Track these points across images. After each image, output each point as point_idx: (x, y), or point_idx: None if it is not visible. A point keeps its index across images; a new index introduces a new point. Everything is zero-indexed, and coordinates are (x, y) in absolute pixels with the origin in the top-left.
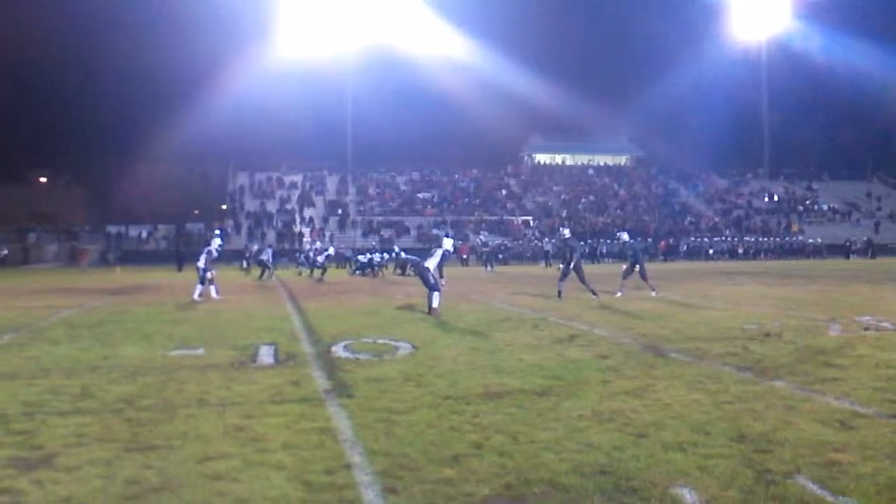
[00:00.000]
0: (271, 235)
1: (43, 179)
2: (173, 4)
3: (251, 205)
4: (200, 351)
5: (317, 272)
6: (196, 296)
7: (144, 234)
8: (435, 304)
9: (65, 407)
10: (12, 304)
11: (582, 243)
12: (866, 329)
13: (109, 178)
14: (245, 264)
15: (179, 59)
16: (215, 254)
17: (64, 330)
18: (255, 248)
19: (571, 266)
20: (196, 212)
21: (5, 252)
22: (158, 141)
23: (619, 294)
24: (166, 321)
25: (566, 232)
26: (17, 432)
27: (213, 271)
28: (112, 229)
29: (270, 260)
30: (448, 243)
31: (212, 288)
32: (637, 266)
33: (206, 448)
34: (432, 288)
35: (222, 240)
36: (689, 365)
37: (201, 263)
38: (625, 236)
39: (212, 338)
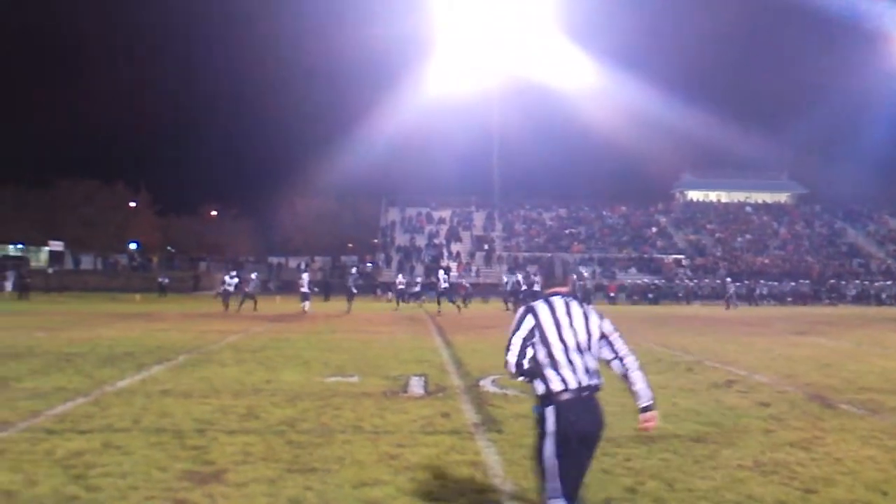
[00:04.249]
0: (419, 269)
1: (214, 213)
2: (327, 53)
3: (401, 239)
4: (355, 379)
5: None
6: None
7: (303, 265)
8: None
9: (233, 426)
10: (186, 327)
11: (738, 284)
12: None
13: (272, 212)
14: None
15: (334, 100)
16: None
17: (231, 353)
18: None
19: None
20: (350, 245)
21: (166, 280)
22: (316, 177)
23: None
24: (322, 349)
25: None
26: (192, 447)
27: None
28: (273, 260)
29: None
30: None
31: None
32: None
33: (361, 474)
34: None
35: None
36: (861, 418)
37: None
38: None
39: (365, 367)
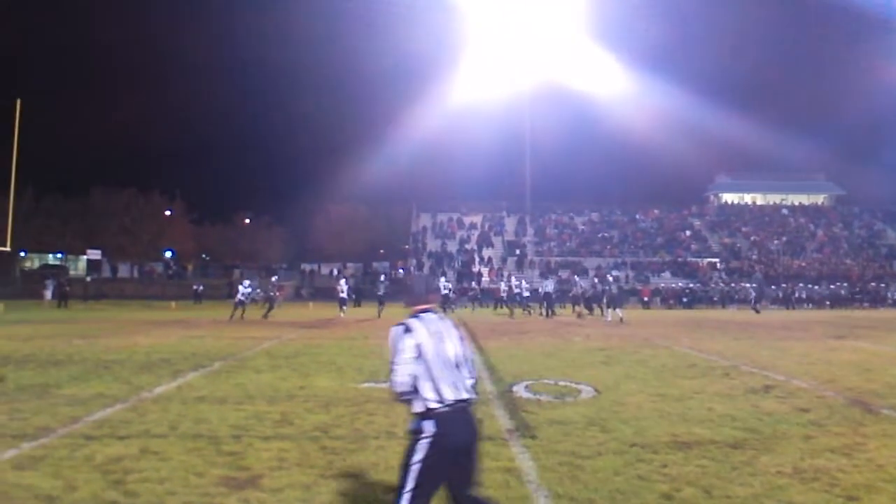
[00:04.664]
0: (451, 275)
1: (247, 221)
2: (358, 59)
3: (433, 245)
4: (388, 384)
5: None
6: None
7: (335, 272)
8: None
9: (268, 432)
10: (221, 334)
11: (773, 287)
12: None
13: (305, 219)
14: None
15: (365, 107)
16: None
17: (265, 360)
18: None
19: None
20: (381, 251)
21: (201, 288)
22: (348, 185)
23: None
24: (356, 355)
25: None
26: (228, 453)
27: None
28: (306, 267)
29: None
30: None
31: None
32: None
33: (395, 479)
34: None
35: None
36: None
37: None
38: None
39: None
